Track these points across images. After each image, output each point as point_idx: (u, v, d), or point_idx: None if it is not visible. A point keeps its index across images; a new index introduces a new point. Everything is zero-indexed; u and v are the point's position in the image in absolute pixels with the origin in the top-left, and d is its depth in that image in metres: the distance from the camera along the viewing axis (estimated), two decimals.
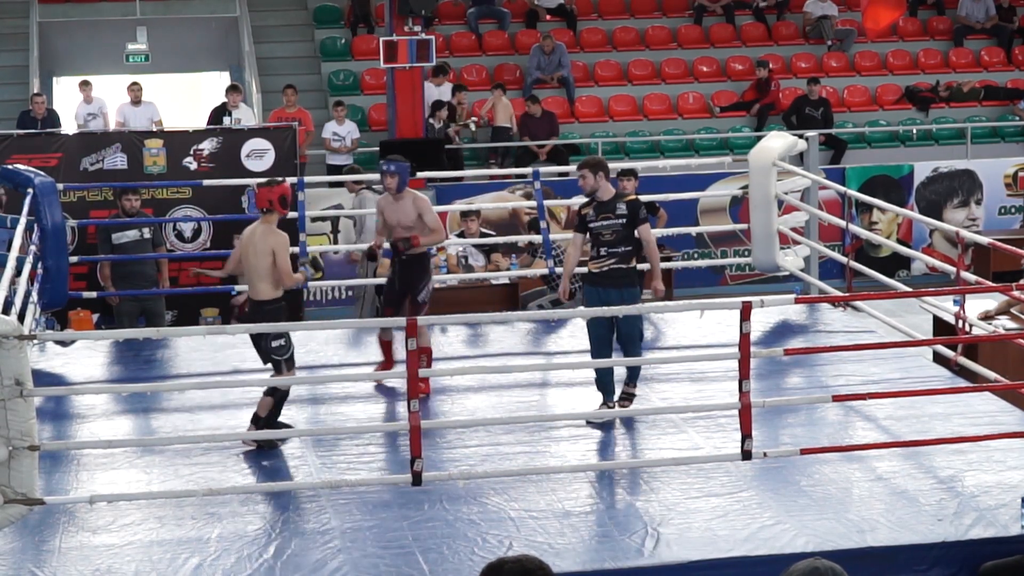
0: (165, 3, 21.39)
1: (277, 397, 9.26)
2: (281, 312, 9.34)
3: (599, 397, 9.79)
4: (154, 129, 16.70)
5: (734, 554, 7.54)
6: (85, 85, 18.92)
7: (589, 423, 9.48)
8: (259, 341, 9.25)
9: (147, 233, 13.41)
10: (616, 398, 9.79)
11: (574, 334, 10.37)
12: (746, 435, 8.23)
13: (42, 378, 10.36)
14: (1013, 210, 19.00)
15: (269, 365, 9.34)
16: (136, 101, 18.25)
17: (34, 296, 11.30)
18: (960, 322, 10.65)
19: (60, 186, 12.26)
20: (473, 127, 19.03)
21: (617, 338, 9.73)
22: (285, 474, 8.81)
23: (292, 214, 11.61)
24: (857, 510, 8.05)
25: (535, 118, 19.07)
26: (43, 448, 7.76)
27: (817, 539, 7.67)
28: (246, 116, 17.82)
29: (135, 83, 18.46)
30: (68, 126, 18.60)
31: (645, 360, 10.13)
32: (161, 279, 13.54)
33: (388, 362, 10.63)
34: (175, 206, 14.65)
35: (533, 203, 13.55)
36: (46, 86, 20.11)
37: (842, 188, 13.74)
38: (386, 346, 10.68)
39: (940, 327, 12.17)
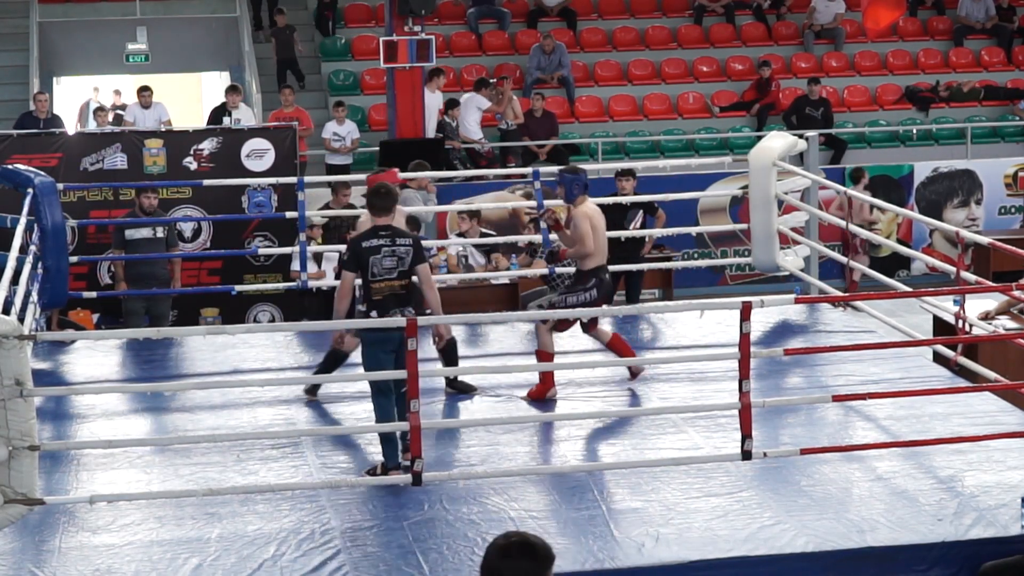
0: (165, 3, 21.39)
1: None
2: None
3: (599, 397, 9.77)
4: (163, 129, 16.65)
5: (734, 554, 7.53)
6: (145, 91, 18.50)
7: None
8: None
9: (160, 232, 13.39)
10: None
11: (574, 334, 10.34)
12: (746, 435, 8.22)
13: (42, 378, 10.36)
14: (1013, 210, 19.01)
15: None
16: (146, 105, 18.17)
17: (34, 296, 11.30)
18: (960, 322, 10.64)
19: (60, 186, 12.25)
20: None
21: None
22: (285, 474, 8.80)
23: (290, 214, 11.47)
24: (857, 510, 8.04)
25: (535, 118, 19.08)
26: (43, 448, 7.75)
27: (817, 539, 7.66)
28: (246, 116, 17.81)
29: (146, 87, 18.32)
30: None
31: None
32: (174, 280, 13.52)
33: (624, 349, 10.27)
34: (175, 206, 14.63)
35: (533, 203, 13.54)
36: (46, 86, 20.11)
37: (842, 188, 13.73)
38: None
39: (940, 327, 12.17)
